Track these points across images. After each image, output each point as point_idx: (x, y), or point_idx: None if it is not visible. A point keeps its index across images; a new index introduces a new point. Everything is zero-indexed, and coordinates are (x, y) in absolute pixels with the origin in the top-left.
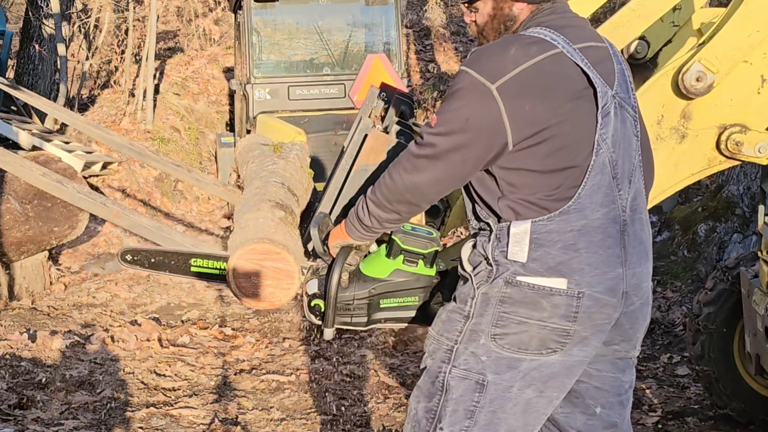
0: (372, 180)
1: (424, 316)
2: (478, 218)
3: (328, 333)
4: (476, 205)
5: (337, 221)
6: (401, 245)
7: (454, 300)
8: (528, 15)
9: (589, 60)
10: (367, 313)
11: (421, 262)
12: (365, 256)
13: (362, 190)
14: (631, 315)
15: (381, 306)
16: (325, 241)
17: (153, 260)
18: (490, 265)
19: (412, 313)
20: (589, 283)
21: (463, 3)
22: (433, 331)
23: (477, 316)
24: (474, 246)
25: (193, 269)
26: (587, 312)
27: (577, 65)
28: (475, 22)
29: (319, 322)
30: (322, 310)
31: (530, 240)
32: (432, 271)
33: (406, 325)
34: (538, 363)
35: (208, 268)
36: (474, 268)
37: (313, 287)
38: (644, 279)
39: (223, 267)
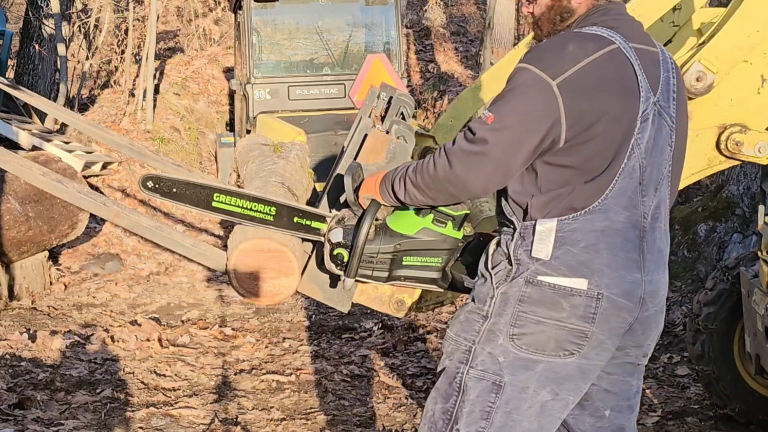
0: None
1: (444, 279)
2: (503, 212)
3: (349, 283)
4: (504, 200)
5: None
6: None
7: (473, 300)
8: (584, 11)
9: (641, 61)
10: (389, 268)
11: (450, 223)
12: (393, 210)
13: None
14: (644, 321)
15: (404, 263)
16: (356, 191)
17: (174, 189)
18: (511, 264)
19: (434, 275)
20: (608, 285)
21: None
22: (451, 332)
23: (495, 315)
24: (498, 243)
25: (214, 204)
26: (605, 314)
27: (631, 63)
28: (532, 13)
29: (340, 272)
30: (345, 260)
31: (555, 238)
32: (459, 234)
33: (423, 285)
34: (555, 365)
35: (230, 204)
36: (494, 267)
37: (337, 236)
38: (661, 287)
39: (246, 206)
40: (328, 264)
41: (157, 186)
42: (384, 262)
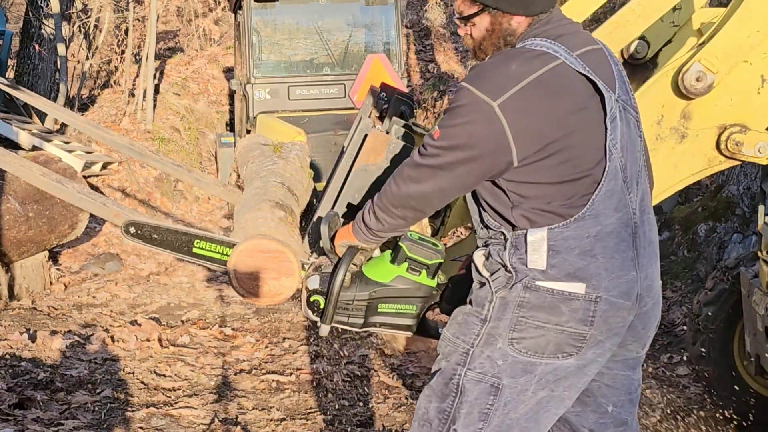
0: (375, 180)
1: (419, 326)
2: (486, 227)
3: (324, 329)
4: (486, 213)
5: (344, 222)
6: (407, 253)
7: (470, 303)
8: (526, 27)
9: (590, 66)
10: (365, 315)
11: (424, 272)
12: (369, 258)
13: (363, 191)
14: (644, 316)
15: (379, 310)
16: (332, 240)
17: (156, 236)
18: (509, 271)
19: (408, 322)
20: (606, 288)
21: (458, 18)
22: (448, 333)
23: (495, 320)
24: (488, 255)
25: (195, 250)
26: (603, 316)
27: (581, 74)
28: (470, 35)
29: (316, 318)
30: (321, 306)
31: (548, 247)
32: (433, 283)
33: (397, 332)
34: (553, 366)
35: (211, 251)
36: (492, 274)
37: (314, 283)
38: (655, 279)
39: (226, 252)
40: (305, 309)
41: (139, 232)
42: (359, 309)
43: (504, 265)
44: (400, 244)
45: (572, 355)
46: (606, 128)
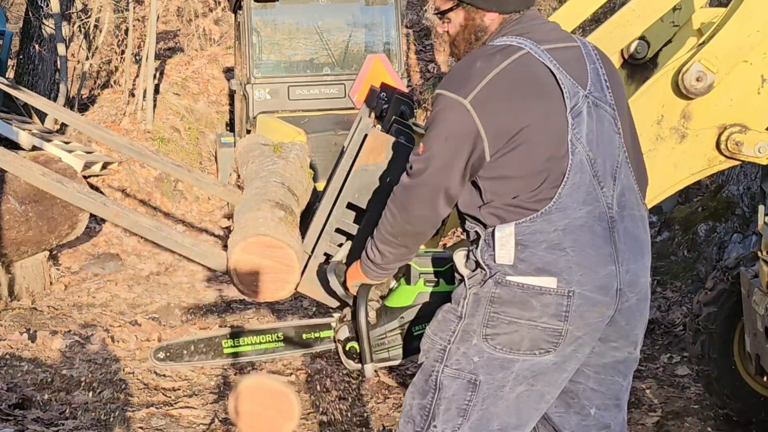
0: (375, 180)
1: None
2: (465, 229)
3: (369, 369)
4: (460, 213)
5: (349, 261)
6: (418, 269)
7: (450, 300)
8: (497, 26)
9: (558, 60)
10: (403, 344)
11: (441, 280)
12: (388, 293)
13: (363, 191)
14: (627, 312)
15: (415, 334)
16: (344, 284)
17: (185, 352)
18: (483, 269)
19: None
20: (579, 282)
21: (436, 13)
22: (428, 330)
23: (469, 316)
24: (467, 256)
25: (226, 351)
26: (578, 311)
27: (545, 65)
28: (447, 32)
29: (358, 366)
30: (358, 351)
31: (515, 242)
32: (453, 287)
33: None
34: (531, 363)
35: (240, 346)
36: (470, 272)
37: (344, 333)
38: (641, 275)
39: (255, 341)
40: (346, 362)
41: (168, 355)
42: (395, 341)
43: (478, 263)
44: (410, 264)
45: (550, 351)
46: (568, 122)
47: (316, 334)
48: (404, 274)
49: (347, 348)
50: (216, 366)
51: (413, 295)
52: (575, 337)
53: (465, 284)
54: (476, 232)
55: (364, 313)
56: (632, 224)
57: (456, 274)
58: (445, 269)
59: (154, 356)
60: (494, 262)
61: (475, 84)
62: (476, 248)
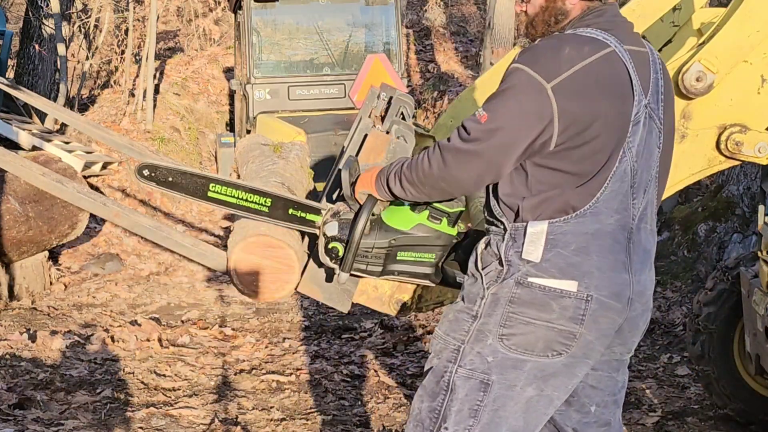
0: None
1: (437, 274)
2: (492, 213)
3: (344, 277)
4: (493, 200)
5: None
6: None
7: (462, 300)
8: (579, 13)
9: (634, 64)
10: (384, 262)
11: (445, 220)
12: (389, 205)
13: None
14: (632, 321)
15: (398, 258)
16: (352, 186)
17: (170, 178)
18: (502, 265)
19: (427, 270)
20: (597, 287)
21: None
22: (440, 330)
23: (485, 316)
24: (487, 244)
25: (210, 194)
26: (593, 316)
27: (626, 67)
28: (525, 12)
29: (335, 266)
30: (340, 254)
31: (546, 240)
32: (454, 231)
33: (416, 280)
34: (542, 364)
35: (225, 195)
36: (484, 268)
37: (332, 229)
38: (647, 287)
39: (242, 197)
40: (323, 257)
41: (153, 174)
42: (378, 257)
43: (498, 257)
44: None
45: (562, 354)
46: (629, 129)
47: (303, 214)
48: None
49: (330, 246)
50: (216, 366)
51: (413, 222)
52: (587, 341)
53: (482, 283)
54: (503, 222)
55: (362, 226)
56: (645, 237)
57: (470, 267)
58: (453, 211)
59: (138, 172)
60: (519, 258)
61: (563, 70)
62: (501, 241)
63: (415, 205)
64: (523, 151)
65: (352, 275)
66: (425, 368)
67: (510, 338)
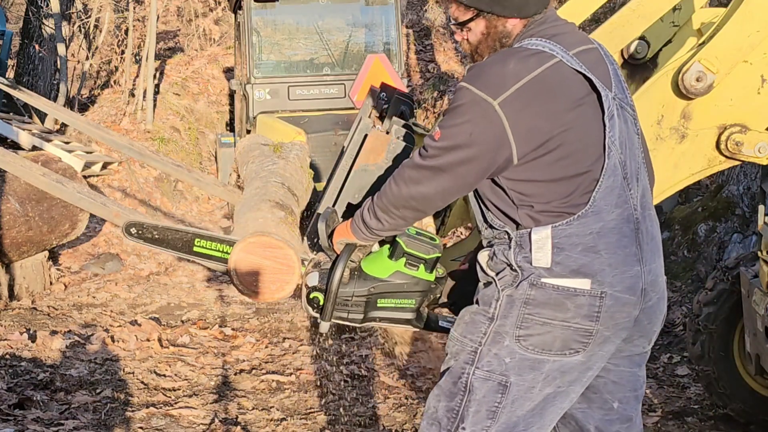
0: (375, 180)
1: (418, 319)
2: (491, 226)
3: (324, 326)
4: (489, 213)
5: (343, 218)
6: (405, 248)
7: (477, 302)
8: (521, 29)
9: (586, 64)
10: (364, 310)
11: (422, 266)
12: (368, 254)
13: (363, 191)
14: (649, 311)
15: (378, 305)
16: (330, 237)
17: (157, 235)
18: (515, 270)
19: (408, 315)
20: (611, 283)
21: (454, 24)
22: (456, 332)
23: (501, 317)
24: (492, 255)
25: (196, 249)
26: (609, 311)
27: (578, 72)
28: (467, 40)
29: (316, 315)
30: (320, 303)
31: (552, 245)
32: (431, 277)
33: (398, 326)
34: (560, 363)
35: (211, 249)
36: (497, 273)
37: (313, 280)
38: (659, 274)
39: (226, 251)
40: (305, 306)
41: (139, 232)
42: (359, 305)
43: (509, 264)
44: (397, 239)
45: (579, 351)
46: (604, 125)
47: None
48: (390, 244)
49: (311, 296)
50: (216, 366)
51: (391, 270)
52: (604, 337)
53: (496, 285)
54: (506, 231)
55: (339, 275)
56: (651, 224)
57: (480, 275)
58: (429, 257)
59: (125, 229)
60: (530, 264)
61: (508, 86)
62: (507, 249)
63: (392, 253)
64: (484, 167)
65: (333, 324)
66: (441, 369)
67: (527, 339)
